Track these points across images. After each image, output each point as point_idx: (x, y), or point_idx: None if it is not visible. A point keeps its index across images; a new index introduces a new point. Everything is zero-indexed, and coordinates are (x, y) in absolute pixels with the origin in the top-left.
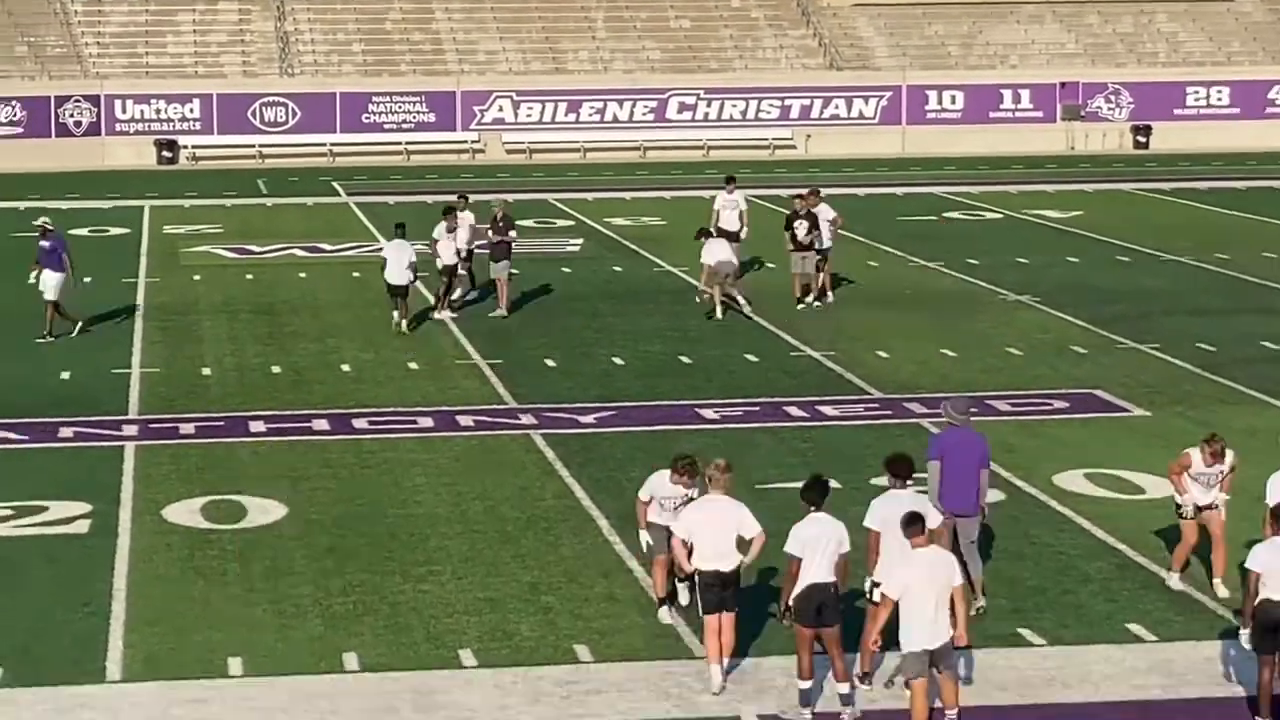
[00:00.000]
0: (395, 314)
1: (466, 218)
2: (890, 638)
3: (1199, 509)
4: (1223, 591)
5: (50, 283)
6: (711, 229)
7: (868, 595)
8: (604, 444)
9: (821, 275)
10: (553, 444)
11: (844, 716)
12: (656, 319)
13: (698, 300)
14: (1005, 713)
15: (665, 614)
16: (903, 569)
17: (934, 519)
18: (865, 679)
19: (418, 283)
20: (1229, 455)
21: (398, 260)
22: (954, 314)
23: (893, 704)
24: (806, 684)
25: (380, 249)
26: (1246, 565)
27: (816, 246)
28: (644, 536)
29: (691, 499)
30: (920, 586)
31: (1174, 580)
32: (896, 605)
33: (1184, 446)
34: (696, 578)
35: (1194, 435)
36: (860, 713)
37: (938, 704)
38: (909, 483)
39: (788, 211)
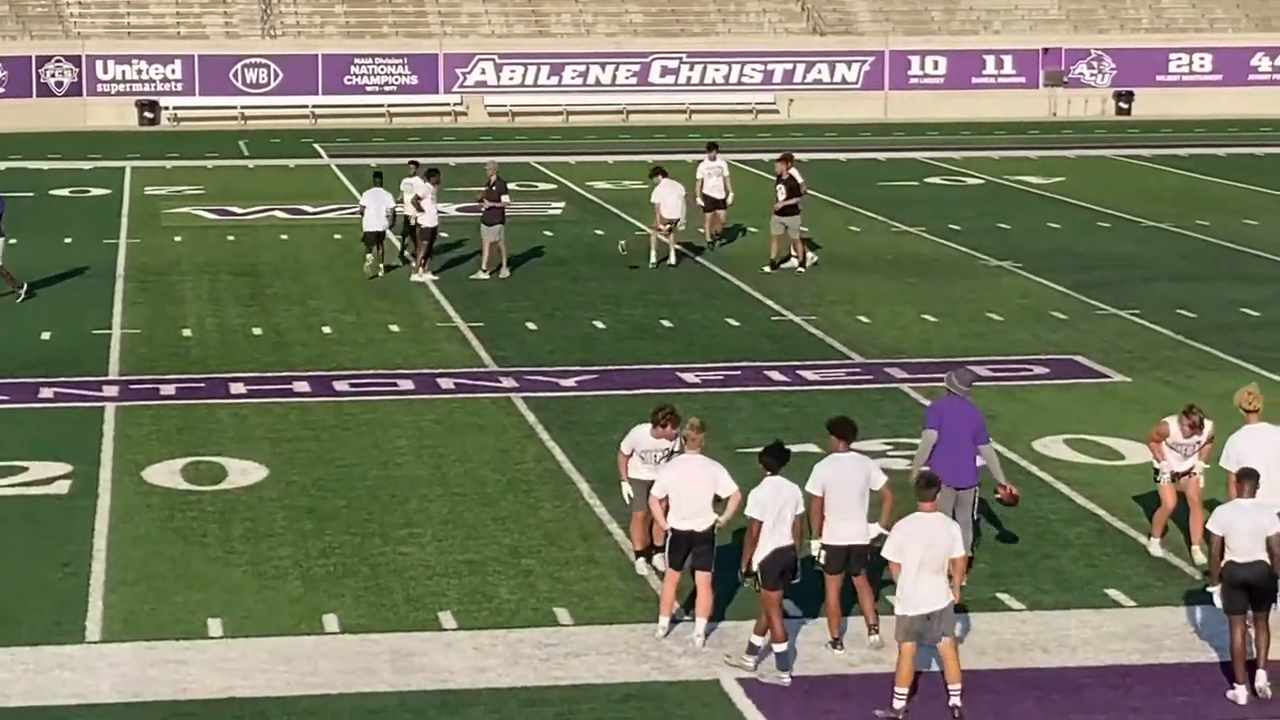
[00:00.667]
0: (369, 257)
1: (413, 184)
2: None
3: (1175, 475)
4: (1200, 558)
5: None
6: (698, 197)
7: (814, 560)
8: (585, 407)
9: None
10: (533, 407)
11: (751, 664)
12: (638, 282)
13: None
14: (983, 677)
15: (642, 566)
16: (901, 533)
17: (880, 480)
18: (836, 644)
19: (389, 233)
20: (1207, 426)
21: (376, 208)
22: (935, 279)
23: (874, 668)
24: (782, 647)
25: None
26: (1208, 527)
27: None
28: (626, 489)
29: (674, 451)
30: (917, 551)
31: (1155, 547)
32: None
33: (1163, 412)
34: (669, 534)
35: (1173, 401)
36: (784, 675)
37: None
38: (849, 446)
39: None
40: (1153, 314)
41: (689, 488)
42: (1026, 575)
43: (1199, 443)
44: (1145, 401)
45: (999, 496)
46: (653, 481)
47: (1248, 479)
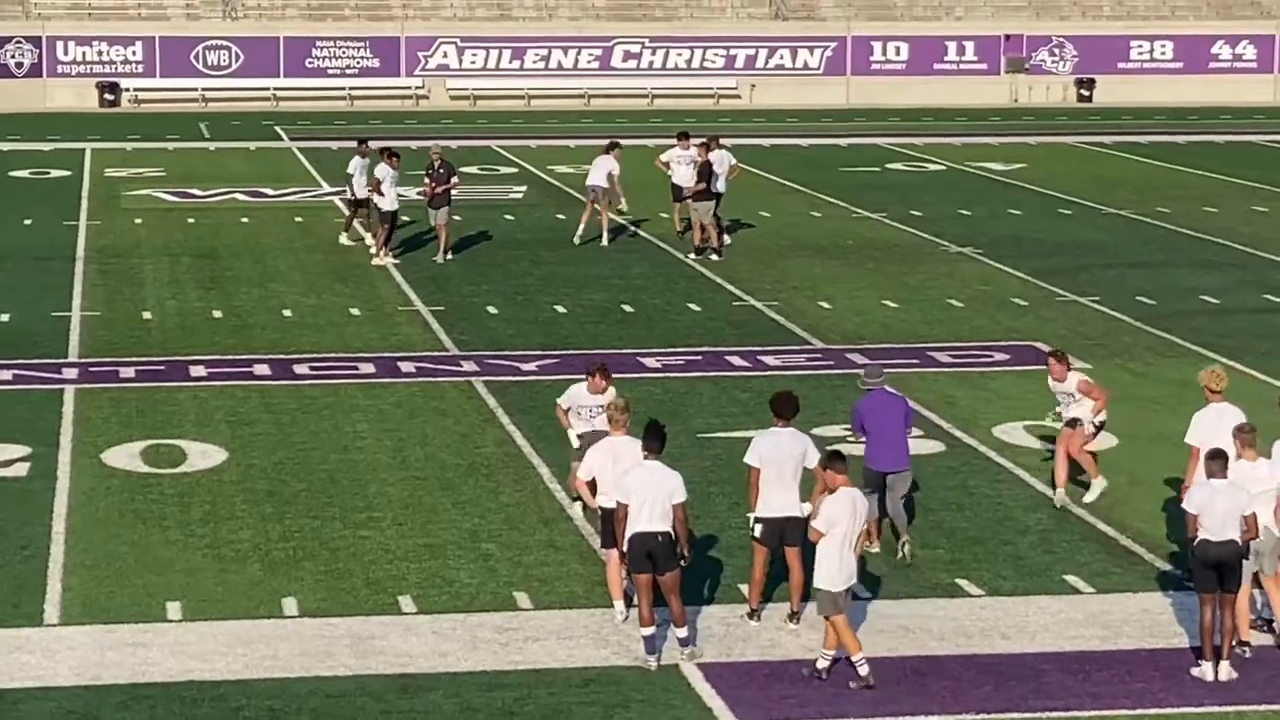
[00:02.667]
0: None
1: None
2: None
3: (1063, 420)
4: (1060, 498)
5: None
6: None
7: (750, 531)
8: (545, 392)
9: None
10: (494, 391)
11: (684, 655)
12: (599, 267)
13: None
14: (942, 663)
15: (578, 509)
16: (832, 506)
17: (815, 458)
18: (754, 615)
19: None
20: (1073, 377)
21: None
22: (896, 265)
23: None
24: (649, 630)
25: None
26: (1184, 506)
27: (713, 190)
28: (572, 435)
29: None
30: (844, 525)
31: (1058, 497)
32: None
33: (1124, 399)
34: (599, 513)
35: (1133, 387)
36: (701, 651)
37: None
38: (790, 422)
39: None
40: (1112, 300)
41: (615, 468)
42: (985, 561)
43: (1071, 393)
44: (1106, 388)
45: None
46: (591, 432)
47: (1218, 459)
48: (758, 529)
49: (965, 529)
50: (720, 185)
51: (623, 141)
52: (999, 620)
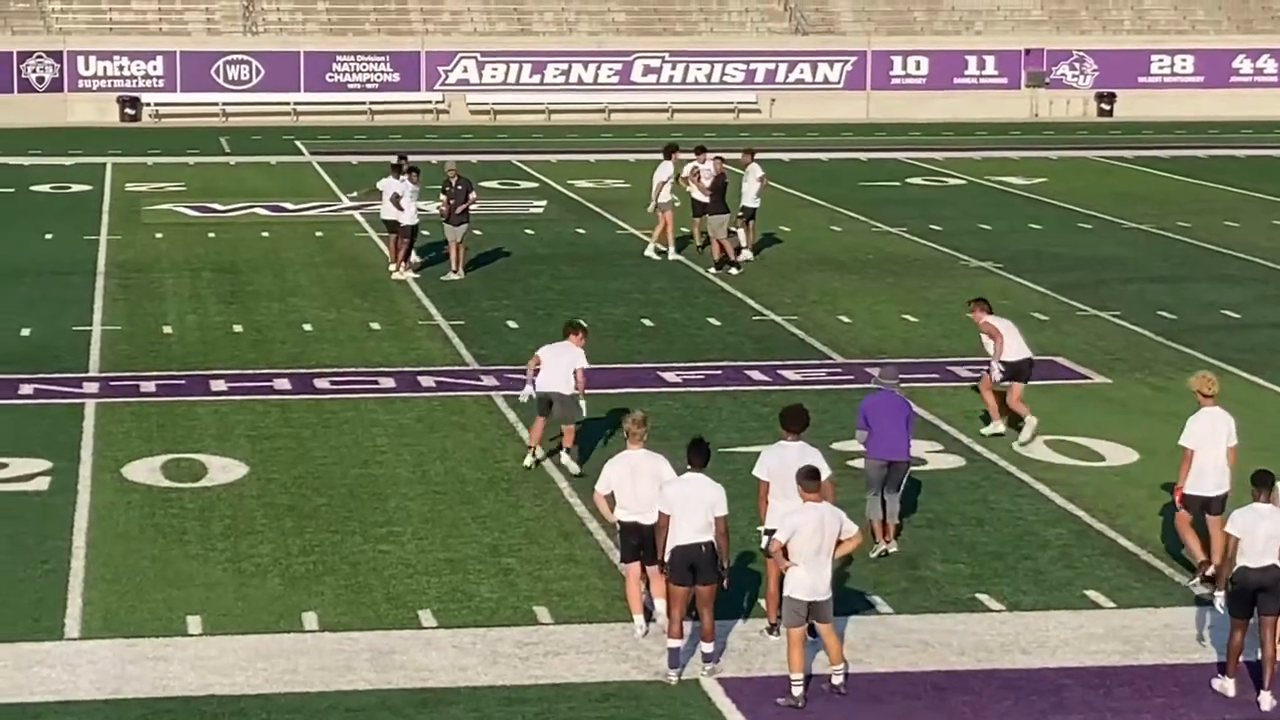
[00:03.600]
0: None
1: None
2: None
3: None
4: (990, 429)
5: None
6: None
7: (761, 546)
8: None
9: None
10: (514, 406)
11: (705, 670)
12: (619, 282)
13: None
14: (963, 678)
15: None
16: (795, 516)
17: (824, 471)
18: (774, 630)
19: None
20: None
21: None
22: (916, 280)
23: (855, 668)
24: (676, 643)
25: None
26: (1226, 529)
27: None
28: (528, 389)
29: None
30: (808, 537)
31: (990, 428)
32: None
33: (1143, 413)
34: (618, 527)
35: (1154, 402)
36: (722, 668)
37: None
38: (800, 436)
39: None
40: (1133, 315)
41: (634, 482)
42: (1006, 576)
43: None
44: (1126, 403)
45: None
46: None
47: (1264, 485)
48: (766, 541)
49: (985, 544)
50: (750, 200)
51: (643, 156)
52: (1019, 635)
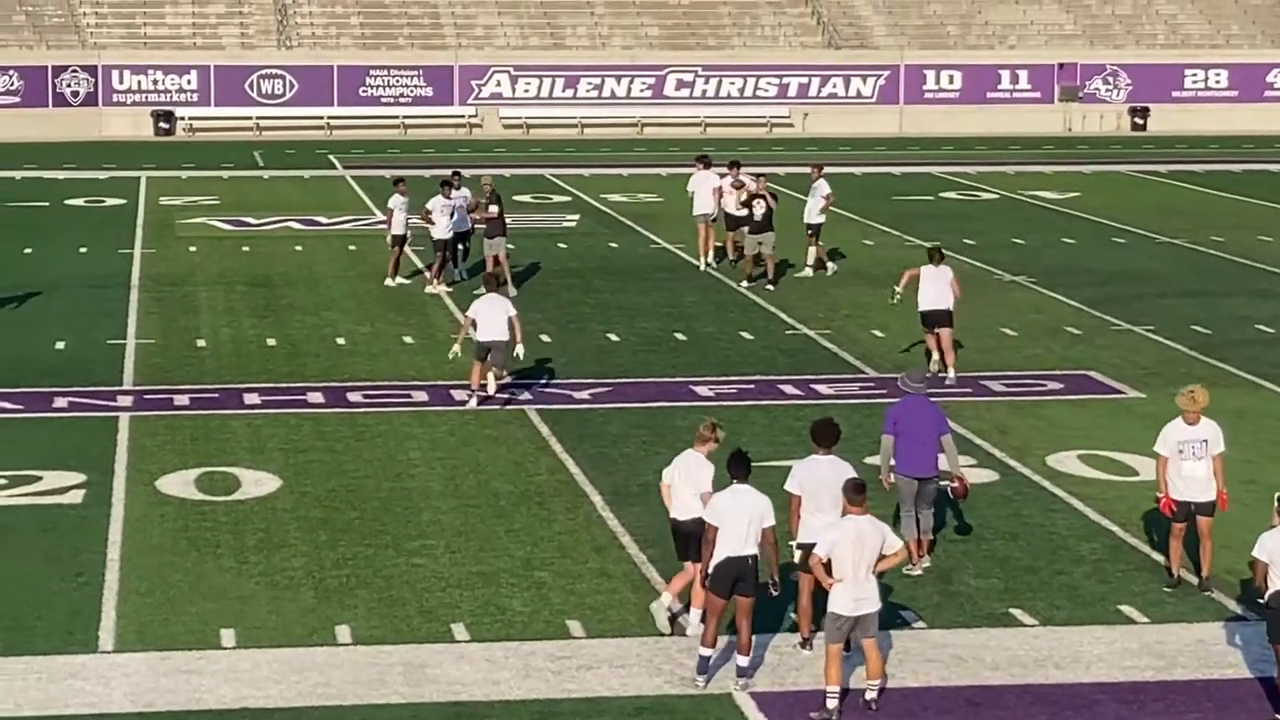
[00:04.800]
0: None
1: (463, 195)
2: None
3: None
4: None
5: None
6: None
7: (794, 559)
8: (598, 420)
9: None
10: (547, 419)
11: (739, 685)
12: (652, 295)
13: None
14: (996, 693)
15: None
16: (833, 531)
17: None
18: (806, 644)
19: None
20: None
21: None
22: None
23: (890, 682)
24: (708, 651)
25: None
26: (1254, 554)
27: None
28: (456, 349)
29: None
30: (848, 551)
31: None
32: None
33: None
34: (672, 526)
35: None
36: (754, 682)
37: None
38: (831, 450)
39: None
40: (1167, 330)
41: (685, 484)
42: (1040, 591)
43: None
44: (1159, 417)
45: (952, 487)
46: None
47: None
48: (798, 555)
49: (1019, 558)
50: (814, 216)
51: (675, 170)
52: (1053, 650)
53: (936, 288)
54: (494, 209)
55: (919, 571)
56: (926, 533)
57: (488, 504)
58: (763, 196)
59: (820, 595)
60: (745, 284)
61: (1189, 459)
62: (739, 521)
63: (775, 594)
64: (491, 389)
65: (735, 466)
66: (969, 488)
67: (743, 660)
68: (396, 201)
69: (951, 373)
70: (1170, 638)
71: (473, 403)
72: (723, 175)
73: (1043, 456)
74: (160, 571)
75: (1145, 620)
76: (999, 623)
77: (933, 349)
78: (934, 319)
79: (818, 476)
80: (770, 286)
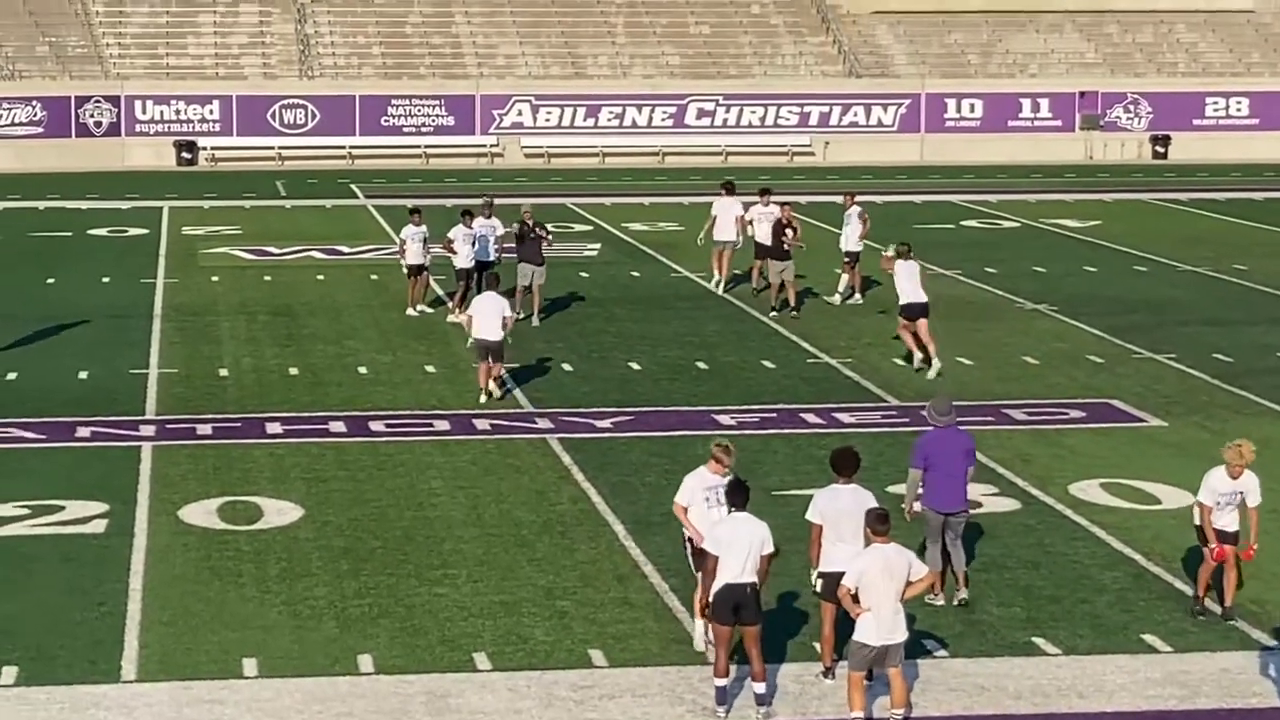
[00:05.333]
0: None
1: (493, 225)
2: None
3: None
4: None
5: None
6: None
7: (813, 588)
8: (620, 449)
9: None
10: (569, 448)
11: (760, 714)
12: (674, 324)
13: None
14: None
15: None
16: (860, 561)
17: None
18: (829, 674)
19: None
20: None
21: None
22: (971, 322)
23: (917, 711)
24: (722, 681)
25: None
26: None
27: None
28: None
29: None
30: (875, 580)
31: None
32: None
33: (1200, 457)
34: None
35: (1210, 446)
36: (775, 711)
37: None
38: (852, 479)
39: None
40: (1189, 358)
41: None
42: (1062, 620)
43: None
44: (1182, 446)
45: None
46: None
47: None
48: (819, 584)
49: (1042, 587)
50: (852, 243)
51: (697, 199)
52: (1076, 679)
53: (912, 283)
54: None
55: (941, 601)
56: (959, 565)
57: (510, 533)
58: (791, 225)
59: (843, 624)
60: (773, 313)
61: (1226, 509)
62: (739, 550)
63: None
64: (496, 393)
65: (736, 496)
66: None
67: (759, 688)
68: (409, 232)
69: (937, 363)
70: (1194, 667)
71: (483, 398)
72: (749, 205)
73: (1065, 485)
74: (182, 601)
75: (1168, 649)
76: (1022, 652)
77: (912, 347)
78: (914, 311)
79: (839, 505)
80: (795, 314)
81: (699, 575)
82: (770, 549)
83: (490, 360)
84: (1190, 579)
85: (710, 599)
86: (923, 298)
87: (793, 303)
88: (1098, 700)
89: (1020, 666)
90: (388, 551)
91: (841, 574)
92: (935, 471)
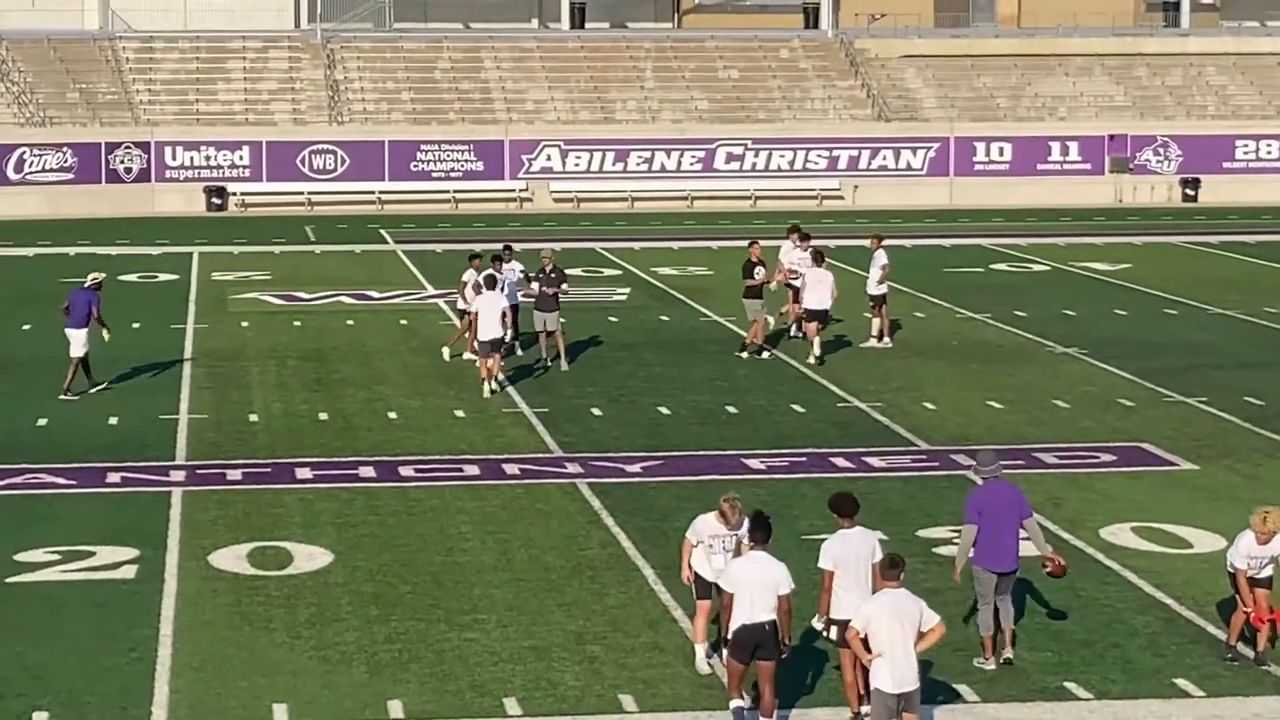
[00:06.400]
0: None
1: (513, 268)
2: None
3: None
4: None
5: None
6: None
7: (824, 634)
8: (650, 493)
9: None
10: (599, 493)
11: None
12: (703, 368)
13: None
14: None
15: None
16: (869, 606)
17: (880, 554)
18: (858, 719)
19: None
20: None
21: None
22: (1001, 365)
23: None
24: (739, 703)
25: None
26: None
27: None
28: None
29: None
30: (885, 626)
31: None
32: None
33: (1231, 500)
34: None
35: (1241, 489)
36: None
37: None
38: (855, 521)
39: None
40: (1220, 401)
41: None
42: (1094, 664)
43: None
44: (1213, 489)
45: (1047, 570)
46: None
47: None
48: (833, 631)
49: (1073, 631)
50: (874, 287)
51: (726, 243)
52: None
53: (818, 291)
54: (565, 285)
55: (992, 666)
56: (1008, 620)
57: (539, 578)
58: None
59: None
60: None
61: (1253, 572)
62: (757, 589)
63: (785, 657)
64: (499, 383)
65: (756, 531)
66: (1065, 566)
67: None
68: (470, 276)
69: (818, 350)
70: (1226, 711)
71: (486, 390)
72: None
73: (1096, 529)
74: (213, 646)
75: (1201, 694)
76: (1053, 696)
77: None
78: (814, 315)
79: (851, 550)
80: (742, 354)
81: (698, 603)
82: (786, 590)
83: (492, 353)
84: (1223, 623)
85: (729, 636)
86: (824, 304)
87: (759, 341)
88: None
89: (1052, 711)
90: (417, 596)
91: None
92: (987, 529)
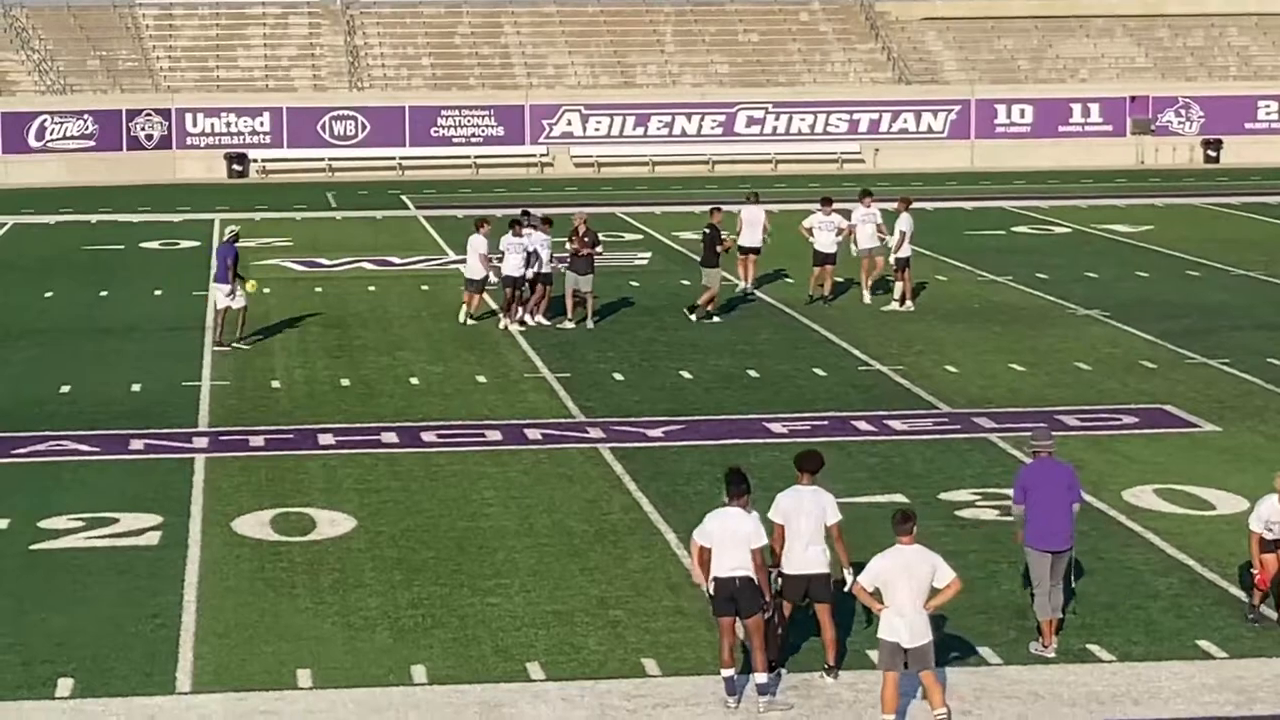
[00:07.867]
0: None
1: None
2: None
3: None
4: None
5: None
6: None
7: (775, 589)
8: (672, 458)
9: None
10: (620, 457)
11: (762, 704)
12: (724, 332)
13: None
14: None
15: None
16: (879, 560)
17: (834, 516)
18: (831, 672)
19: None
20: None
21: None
22: (1023, 328)
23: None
24: (729, 672)
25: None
26: None
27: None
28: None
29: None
30: (896, 581)
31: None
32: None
33: (1254, 461)
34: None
35: (1265, 450)
36: (789, 703)
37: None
38: (816, 479)
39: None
40: (1242, 363)
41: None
42: (1117, 626)
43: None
44: (1236, 451)
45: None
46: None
47: None
48: (779, 583)
49: (1095, 594)
50: (903, 250)
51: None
52: (1131, 686)
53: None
54: (599, 248)
55: (1052, 653)
56: (1058, 610)
57: (562, 543)
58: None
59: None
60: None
61: (1274, 535)
62: (728, 543)
63: (767, 614)
64: (763, 685)
65: (731, 486)
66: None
67: (761, 678)
68: (509, 242)
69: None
70: (1249, 673)
71: (461, 316)
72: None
73: (1119, 491)
74: (236, 612)
75: (1224, 655)
76: (1076, 658)
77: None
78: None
79: (800, 506)
80: (690, 316)
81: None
82: (756, 544)
83: (472, 291)
84: (1245, 585)
85: (710, 590)
86: (754, 242)
87: (710, 308)
88: (1153, 707)
89: (1075, 673)
90: (440, 562)
91: (799, 575)
92: (1034, 506)
